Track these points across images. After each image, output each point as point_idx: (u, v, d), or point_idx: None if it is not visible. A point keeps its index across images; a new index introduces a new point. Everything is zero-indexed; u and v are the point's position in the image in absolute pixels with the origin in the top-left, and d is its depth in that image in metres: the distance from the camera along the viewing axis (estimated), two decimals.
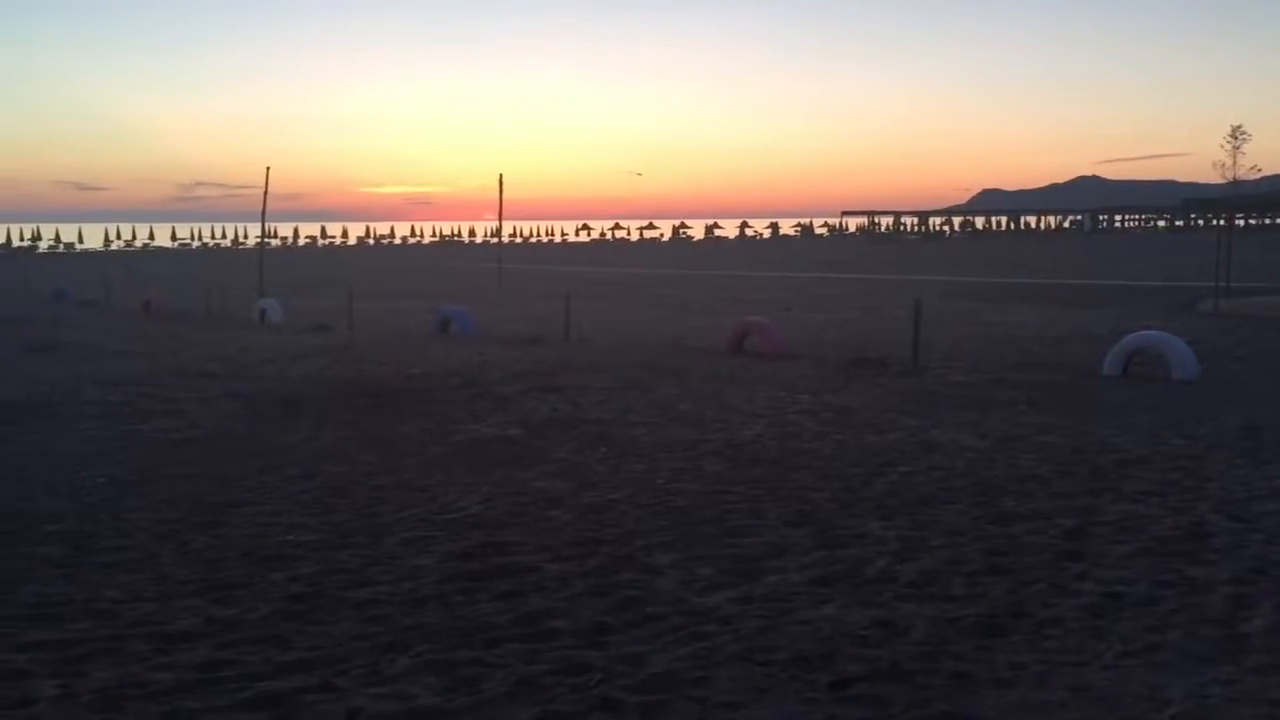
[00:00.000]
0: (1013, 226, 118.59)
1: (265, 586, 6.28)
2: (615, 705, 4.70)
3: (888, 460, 9.41)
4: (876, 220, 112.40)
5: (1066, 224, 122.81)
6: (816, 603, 5.88)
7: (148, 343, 20.23)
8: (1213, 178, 29.68)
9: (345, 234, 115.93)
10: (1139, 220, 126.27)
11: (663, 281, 43.15)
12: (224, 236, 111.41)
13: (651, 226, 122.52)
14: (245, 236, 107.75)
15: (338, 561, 6.75)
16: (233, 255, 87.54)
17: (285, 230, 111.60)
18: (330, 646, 5.38)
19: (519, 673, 5.02)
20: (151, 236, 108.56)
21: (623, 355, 17.03)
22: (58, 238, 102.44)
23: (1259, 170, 29.67)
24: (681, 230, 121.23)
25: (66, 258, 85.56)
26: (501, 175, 47.16)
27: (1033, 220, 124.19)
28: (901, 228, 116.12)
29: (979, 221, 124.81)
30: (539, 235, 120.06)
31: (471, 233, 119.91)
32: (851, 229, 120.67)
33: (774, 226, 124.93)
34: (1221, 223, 38.89)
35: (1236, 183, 29.17)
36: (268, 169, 36.04)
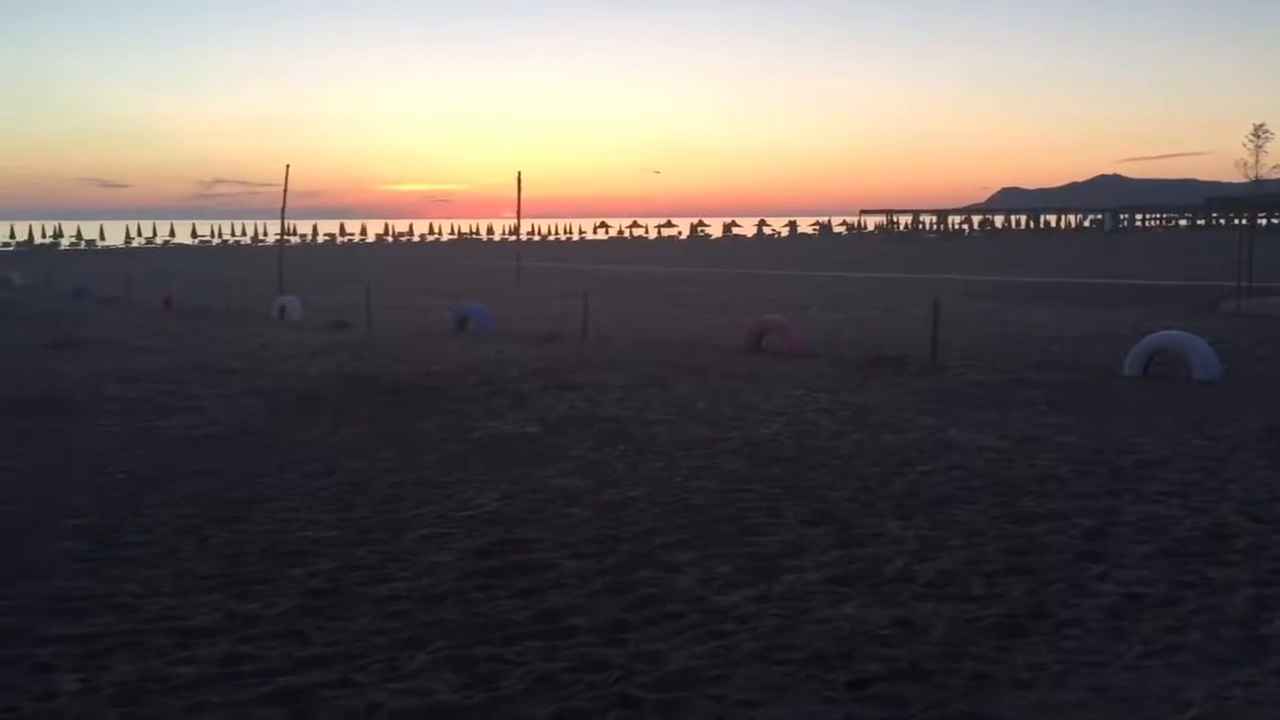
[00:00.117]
0: (1032, 225, 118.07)
1: (285, 582, 6.31)
2: (634, 703, 4.70)
3: (906, 459, 9.38)
4: (895, 219, 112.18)
5: (1087, 223, 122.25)
6: (835, 602, 5.87)
7: (168, 339, 20.35)
8: (1235, 176, 29.47)
9: (364, 231, 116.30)
10: (1160, 219, 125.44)
11: (680, 280, 43.14)
12: (244, 234, 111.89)
13: (669, 225, 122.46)
14: (265, 234, 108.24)
15: (356, 558, 6.77)
16: (252, 252, 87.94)
17: (304, 228, 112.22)
18: (349, 642, 5.40)
19: (538, 670, 5.03)
20: (172, 234, 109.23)
21: (641, 353, 17.03)
22: (79, 235, 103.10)
23: None
24: (699, 229, 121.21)
25: (88, 254, 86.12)
26: (520, 173, 47.22)
27: (1053, 219, 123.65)
28: (920, 226, 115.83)
29: (998, 220, 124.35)
30: (557, 233, 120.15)
31: (490, 230, 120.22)
32: (870, 227, 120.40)
33: (792, 225, 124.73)
34: (1244, 222, 38.64)
35: (1259, 181, 28.96)
36: (287, 166, 36.32)
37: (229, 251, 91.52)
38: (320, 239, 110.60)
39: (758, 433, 10.67)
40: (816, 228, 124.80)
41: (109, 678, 4.99)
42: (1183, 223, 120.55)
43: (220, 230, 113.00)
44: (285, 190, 36.15)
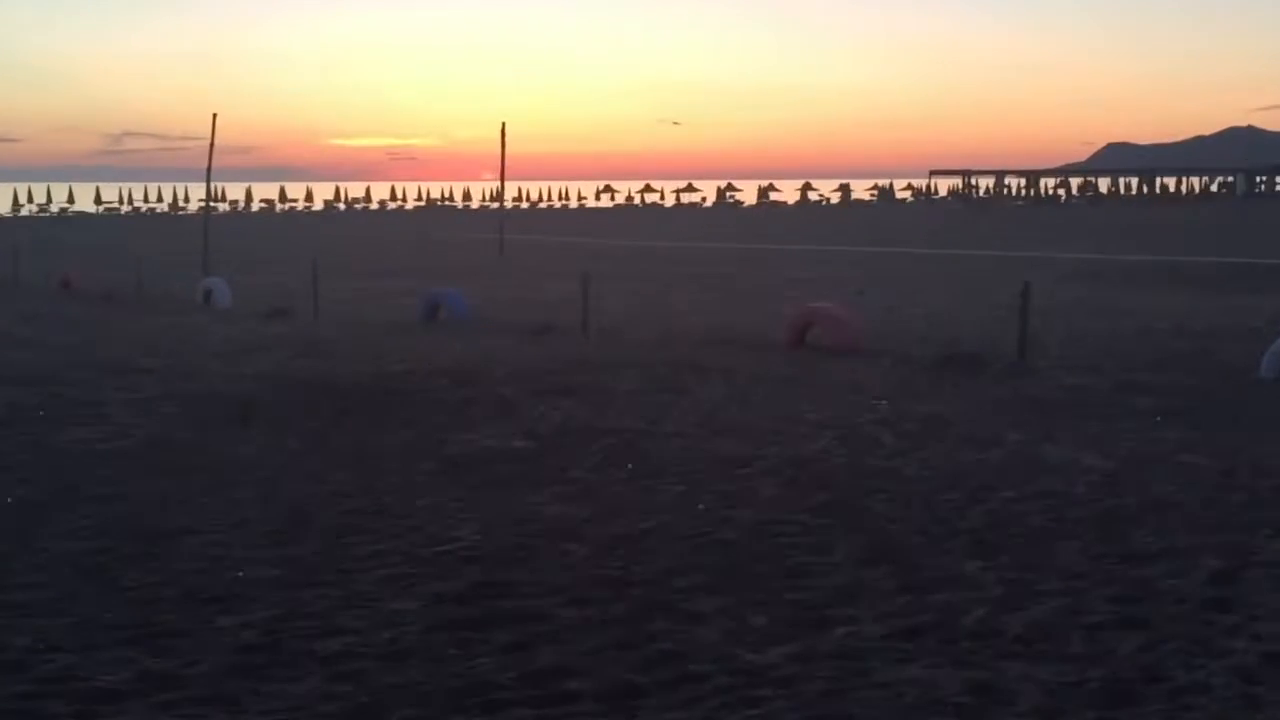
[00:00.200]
0: (1145, 189, 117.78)
1: (211, 634, 6.33)
2: None
3: (987, 483, 9.37)
4: (973, 181, 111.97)
5: (1214, 186, 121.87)
6: (897, 661, 5.87)
7: (66, 330, 20.42)
8: None
9: (310, 197, 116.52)
10: None
11: (705, 257, 43.15)
12: (159, 199, 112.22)
13: (691, 189, 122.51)
14: (186, 199, 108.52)
15: (300, 604, 6.79)
16: (171, 222, 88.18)
17: (235, 192, 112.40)
18: (290, 710, 5.41)
19: None
20: (71, 198, 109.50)
21: (654, 349, 17.03)
22: None
23: None
24: (728, 194, 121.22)
25: None
26: (504, 125, 47.32)
27: (1171, 182, 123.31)
28: (1005, 190, 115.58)
29: (1103, 183, 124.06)
30: (550, 199, 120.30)
31: (466, 196, 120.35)
32: (942, 192, 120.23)
33: (844, 189, 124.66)
34: None
35: None
36: (214, 116, 36.32)
37: (141, 221, 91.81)
38: (255, 206, 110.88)
39: (802, 449, 10.66)
40: (875, 192, 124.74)
41: None
42: None
43: (130, 195, 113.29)
44: (211, 145, 36.18)
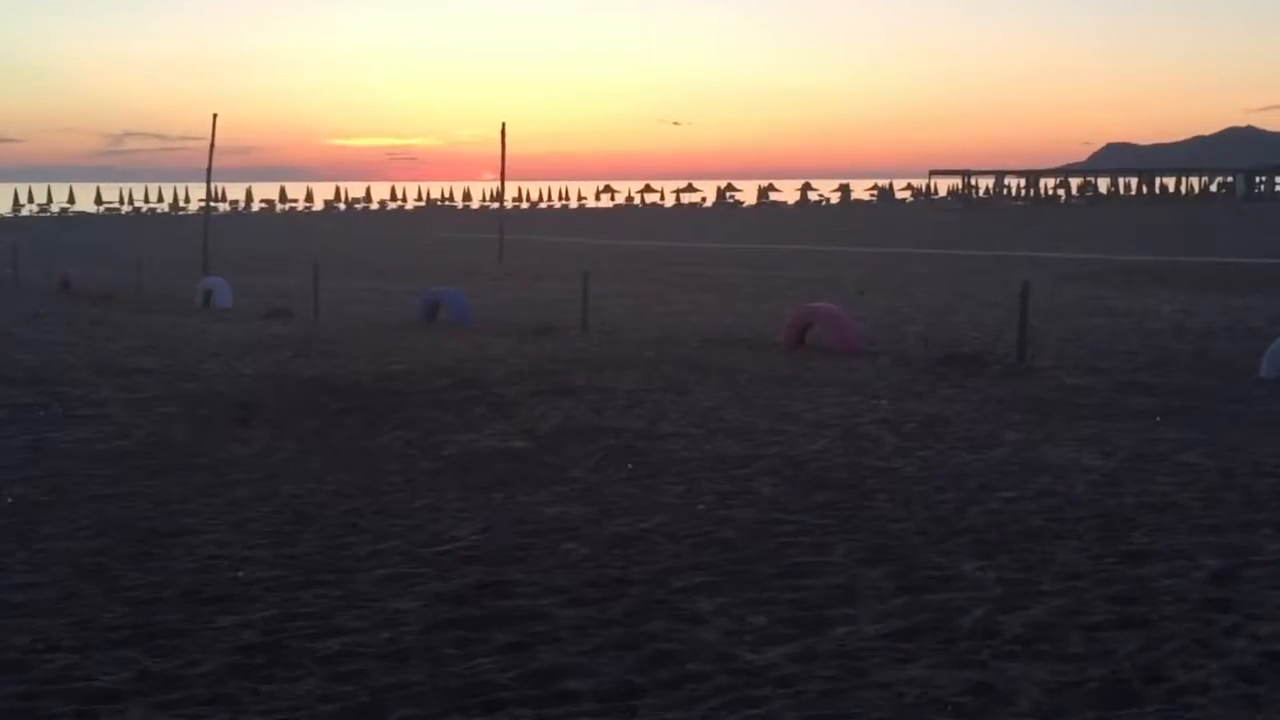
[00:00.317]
0: (1145, 190, 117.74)
1: (211, 635, 6.33)
2: None
3: (986, 483, 9.38)
4: (973, 181, 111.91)
5: (1214, 187, 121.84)
6: (897, 661, 5.87)
7: (66, 330, 20.43)
8: None
9: (310, 197, 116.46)
10: None
11: (705, 257, 43.15)
12: (160, 199, 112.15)
13: (691, 189, 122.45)
14: (187, 199, 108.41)
15: (300, 604, 6.79)
16: (171, 222, 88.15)
17: (236, 192, 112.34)
18: (291, 709, 5.41)
19: None
20: (72, 198, 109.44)
21: (654, 349, 17.04)
22: None
23: None
24: (728, 194, 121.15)
25: None
26: (504, 125, 47.14)
27: (1170, 182, 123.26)
28: (1004, 191, 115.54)
29: (1103, 184, 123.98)
30: (550, 200, 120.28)
31: (466, 196, 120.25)
32: (942, 192, 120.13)
33: (844, 189, 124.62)
34: None
35: None
36: (214, 116, 36.31)
37: (142, 221, 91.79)
38: (255, 206, 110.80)
39: (801, 449, 10.67)
40: (874, 192, 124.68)
41: None
42: None
43: (131, 195, 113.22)
44: (211, 146, 36.17)
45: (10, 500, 9.16)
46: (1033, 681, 5.60)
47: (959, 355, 16.11)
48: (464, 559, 7.64)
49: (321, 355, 16.65)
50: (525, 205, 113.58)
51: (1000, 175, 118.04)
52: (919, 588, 6.95)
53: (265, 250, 48.85)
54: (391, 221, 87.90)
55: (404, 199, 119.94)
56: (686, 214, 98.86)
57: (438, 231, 67.83)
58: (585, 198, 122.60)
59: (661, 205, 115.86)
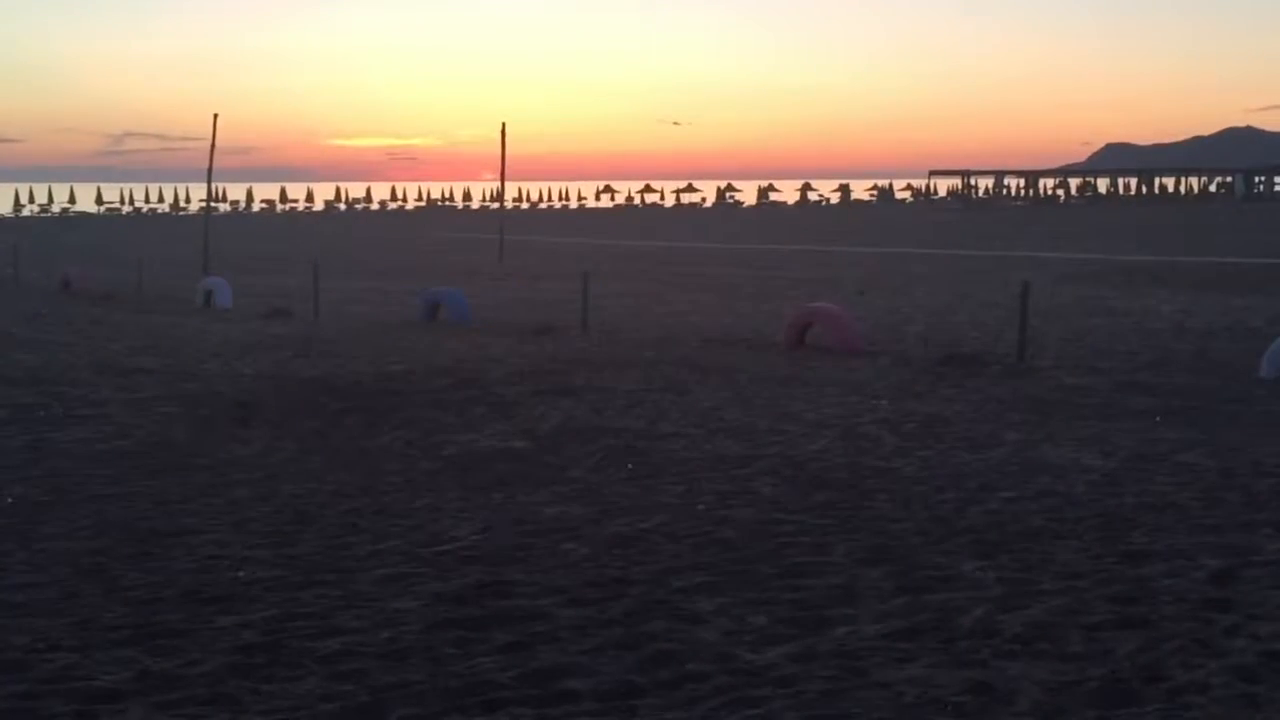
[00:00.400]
0: (1145, 190, 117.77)
1: (211, 634, 6.33)
2: None
3: (986, 483, 9.38)
4: (973, 182, 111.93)
5: (1213, 187, 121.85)
6: (897, 661, 5.87)
7: (66, 330, 20.43)
8: None
9: (310, 197, 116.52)
10: None
11: (705, 257, 43.15)
12: (160, 199, 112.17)
13: (691, 189, 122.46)
14: (187, 200, 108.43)
15: (300, 604, 6.79)
16: (171, 223, 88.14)
17: (236, 192, 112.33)
18: (291, 709, 5.41)
19: None
20: (72, 199, 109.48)
21: (654, 349, 17.04)
22: None
23: None
24: (728, 194, 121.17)
25: None
26: (504, 125, 47.13)
27: (1170, 182, 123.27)
28: (1004, 191, 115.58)
29: (1102, 184, 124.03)
30: (550, 200, 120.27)
31: (466, 196, 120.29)
32: (941, 192, 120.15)
33: (844, 189, 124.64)
34: None
35: None
36: (215, 116, 36.30)
37: (142, 221, 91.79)
38: (256, 206, 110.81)
39: (801, 449, 10.67)
40: (874, 193, 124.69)
41: None
42: None
43: (131, 195, 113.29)
44: (212, 146, 36.15)
45: (10, 500, 9.16)
46: (1032, 681, 5.60)
47: (959, 355, 16.11)
48: (464, 559, 7.64)
49: (322, 355, 16.65)
50: (525, 205, 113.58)
51: (1000, 175, 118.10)
52: (919, 587, 6.95)
53: (265, 250, 48.85)
54: (392, 222, 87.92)
55: (404, 199, 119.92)
56: (686, 214, 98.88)
57: (438, 232, 67.83)
58: (585, 198, 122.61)
59: (661, 205, 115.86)
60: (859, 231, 61.20)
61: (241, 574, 7.37)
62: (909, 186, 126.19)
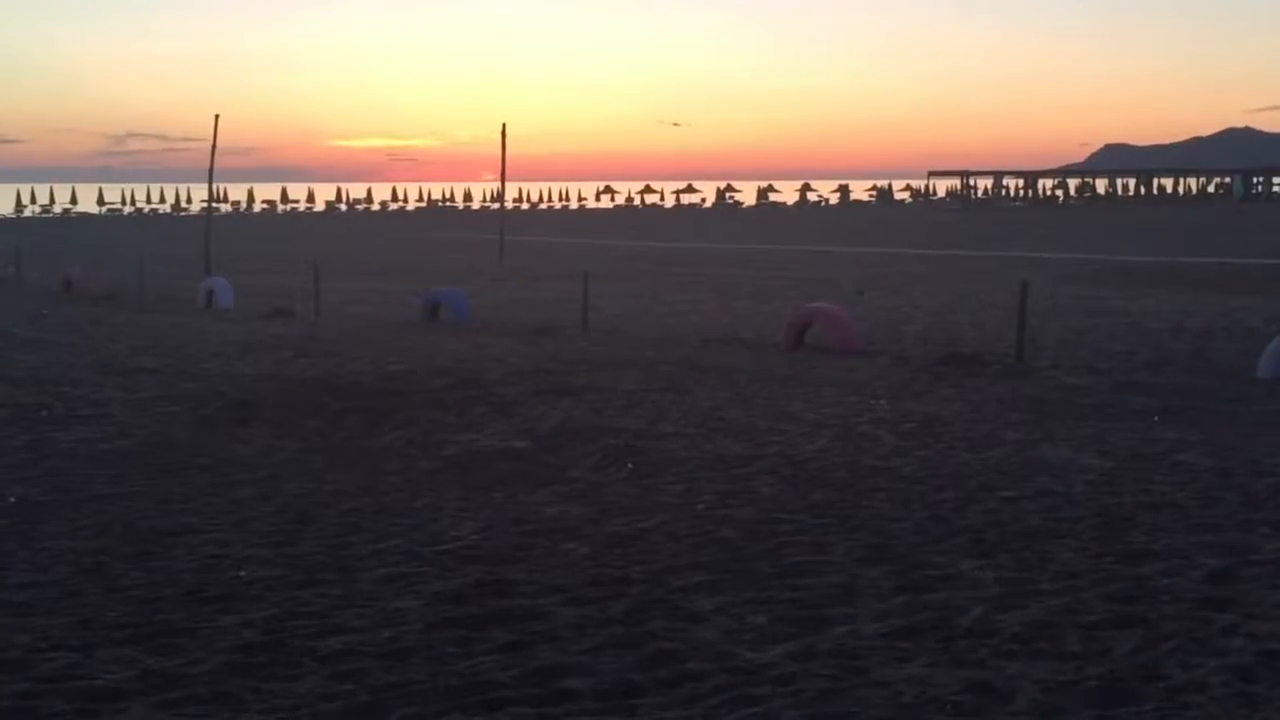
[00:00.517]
0: (1143, 190, 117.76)
1: (212, 633, 6.33)
2: None
3: (985, 483, 9.38)
4: (972, 182, 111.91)
5: (1212, 188, 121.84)
6: (896, 660, 5.87)
7: (68, 330, 20.43)
8: None
9: (311, 198, 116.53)
10: None
11: (704, 258, 43.14)
12: (162, 200, 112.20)
13: (691, 189, 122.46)
14: (188, 200, 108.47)
15: (301, 603, 6.79)
16: (173, 223, 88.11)
17: (237, 193, 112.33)
18: (292, 708, 5.41)
19: None
20: (74, 199, 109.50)
21: (654, 349, 17.04)
22: None
23: None
24: (728, 194, 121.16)
25: None
26: (504, 125, 47.13)
27: (1169, 183, 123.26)
28: (1003, 191, 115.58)
29: (1100, 184, 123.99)
30: (550, 200, 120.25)
31: (467, 196, 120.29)
32: (941, 193, 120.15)
33: (843, 190, 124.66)
34: None
35: None
36: (216, 117, 36.28)
37: (144, 221, 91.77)
38: (257, 207, 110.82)
39: (801, 449, 10.67)
40: (874, 193, 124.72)
41: None
42: None
43: (133, 195, 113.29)
44: (213, 146, 36.14)
45: (12, 500, 9.17)
46: (1031, 680, 5.60)
47: (958, 355, 16.12)
48: (464, 558, 7.65)
49: (322, 355, 16.65)
50: (525, 206, 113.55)
51: (999, 176, 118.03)
52: (918, 587, 6.95)
53: (266, 251, 48.84)
54: (392, 222, 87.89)
55: (405, 200, 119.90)
56: (686, 214, 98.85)
57: (438, 232, 67.81)
58: (585, 198, 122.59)
59: (661, 206, 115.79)
60: (858, 232, 61.19)
61: (242, 573, 7.37)
62: (908, 187, 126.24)
